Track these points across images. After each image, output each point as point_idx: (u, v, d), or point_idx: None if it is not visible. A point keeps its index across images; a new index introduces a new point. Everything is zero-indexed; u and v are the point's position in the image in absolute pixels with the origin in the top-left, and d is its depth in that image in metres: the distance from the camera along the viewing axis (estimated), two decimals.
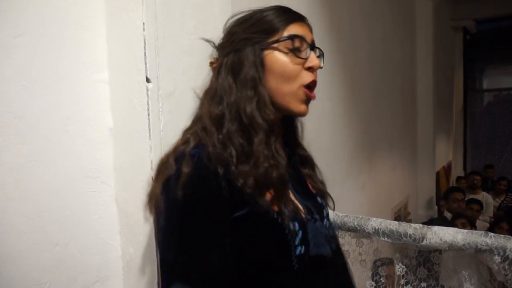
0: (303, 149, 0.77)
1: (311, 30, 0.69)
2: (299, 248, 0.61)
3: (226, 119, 0.62)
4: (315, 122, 1.63)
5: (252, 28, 0.65)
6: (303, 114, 0.68)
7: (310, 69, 0.65)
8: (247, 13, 0.69)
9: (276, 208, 0.60)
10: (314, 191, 0.74)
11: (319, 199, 0.73)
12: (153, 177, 0.63)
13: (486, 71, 6.88)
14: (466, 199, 3.66)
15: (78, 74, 0.78)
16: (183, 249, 0.56)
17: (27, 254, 0.69)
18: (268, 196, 0.61)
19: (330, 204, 0.77)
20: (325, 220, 0.71)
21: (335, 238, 0.74)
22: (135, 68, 0.77)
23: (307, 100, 0.67)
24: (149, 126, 0.76)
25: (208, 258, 0.56)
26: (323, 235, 0.67)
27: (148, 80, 0.76)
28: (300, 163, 0.76)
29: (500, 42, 6.08)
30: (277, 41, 0.64)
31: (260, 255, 0.60)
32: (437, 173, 4.24)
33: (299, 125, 0.76)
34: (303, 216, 0.64)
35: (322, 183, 0.77)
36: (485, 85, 6.99)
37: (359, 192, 2.23)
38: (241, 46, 0.65)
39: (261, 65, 0.63)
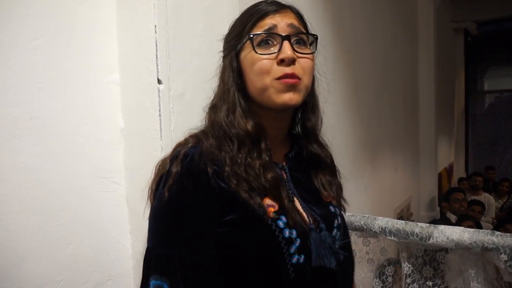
0: (317, 147, 0.72)
1: (291, 16, 0.64)
2: (295, 256, 0.59)
3: (216, 127, 0.64)
4: None
5: (229, 37, 0.67)
6: (286, 104, 0.61)
7: (283, 61, 0.60)
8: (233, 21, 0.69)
9: (271, 214, 0.60)
10: (327, 199, 0.71)
11: (332, 208, 0.70)
12: (153, 174, 0.64)
13: (488, 73, 6.89)
14: (468, 201, 3.67)
15: (90, 76, 0.80)
16: (165, 244, 0.58)
17: (42, 252, 0.70)
18: (265, 202, 0.60)
19: (341, 204, 0.73)
20: (335, 231, 0.67)
21: (346, 249, 0.69)
22: (146, 70, 0.78)
23: (290, 87, 0.61)
24: (160, 126, 0.78)
25: (188, 256, 0.57)
26: (327, 246, 0.64)
27: (159, 82, 0.77)
28: (313, 164, 0.72)
29: (501, 44, 6.10)
30: (242, 44, 0.63)
31: (252, 260, 0.59)
32: (439, 175, 4.25)
33: (313, 119, 0.71)
34: (306, 224, 0.63)
35: (338, 186, 0.74)
36: (486, 87, 7.00)
37: (362, 194, 2.24)
38: (224, 56, 0.67)
39: (235, 71, 0.64)
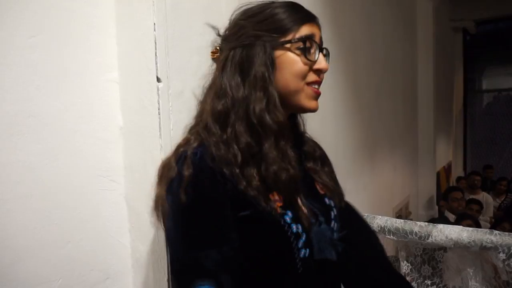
0: (309, 143, 0.75)
1: (320, 29, 0.68)
2: (303, 251, 0.61)
3: (232, 118, 0.62)
4: (317, 123, 1.64)
5: (262, 25, 0.64)
6: (314, 110, 0.67)
7: (318, 71, 0.66)
8: (256, 6, 0.67)
9: (279, 210, 0.60)
10: (322, 192, 0.71)
11: (327, 200, 0.71)
12: (157, 180, 0.62)
13: (486, 72, 6.90)
14: (466, 199, 3.68)
15: (89, 74, 0.79)
16: (197, 247, 0.56)
17: (40, 250, 0.70)
18: (272, 197, 0.61)
19: (337, 202, 0.73)
20: (333, 223, 0.69)
21: (349, 237, 0.71)
22: (145, 68, 0.78)
23: (316, 96, 0.67)
24: (159, 125, 0.77)
25: (219, 252, 0.56)
26: (327, 239, 0.66)
27: (158, 80, 0.77)
28: (306, 158, 0.73)
29: (499, 43, 6.11)
30: (289, 42, 0.63)
31: (262, 256, 0.60)
32: (438, 173, 4.26)
33: (300, 119, 0.75)
34: (307, 218, 0.64)
35: (331, 176, 0.75)
36: (484, 86, 7.01)
37: (361, 193, 2.24)
38: (250, 43, 0.63)
39: (271, 64, 0.63)
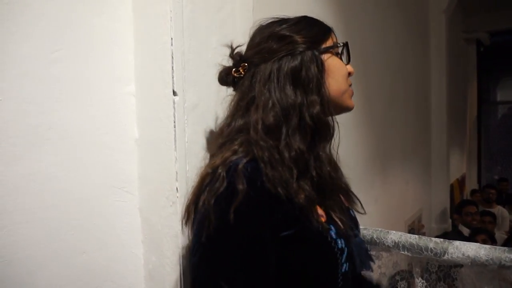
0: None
1: None
2: (344, 265, 0.61)
3: (284, 130, 0.60)
4: None
5: (306, 33, 0.66)
6: (352, 108, 0.74)
7: (349, 74, 0.73)
8: (283, 18, 0.69)
9: (324, 225, 0.60)
10: (346, 204, 0.71)
11: (352, 212, 0.72)
12: (196, 188, 0.61)
13: (500, 83, 6.81)
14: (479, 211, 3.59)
15: (107, 87, 0.81)
16: (228, 269, 0.55)
17: (56, 260, 0.71)
18: (319, 211, 0.61)
19: (359, 209, 0.73)
20: (360, 235, 0.71)
21: None
22: (162, 82, 0.79)
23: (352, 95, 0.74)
24: (174, 137, 0.78)
25: (253, 278, 0.55)
26: (364, 251, 0.66)
27: (174, 93, 0.78)
28: None
29: None
30: (334, 47, 0.69)
31: (308, 272, 0.59)
32: (451, 186, 4.18)
33: None
34: (350, 232, 0.63)
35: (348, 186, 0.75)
36: (499, 97, 6.91)
37: (372, 205, 2.21)
38: (300, 50, 0.64)
39: (323, 69, 0.66)
